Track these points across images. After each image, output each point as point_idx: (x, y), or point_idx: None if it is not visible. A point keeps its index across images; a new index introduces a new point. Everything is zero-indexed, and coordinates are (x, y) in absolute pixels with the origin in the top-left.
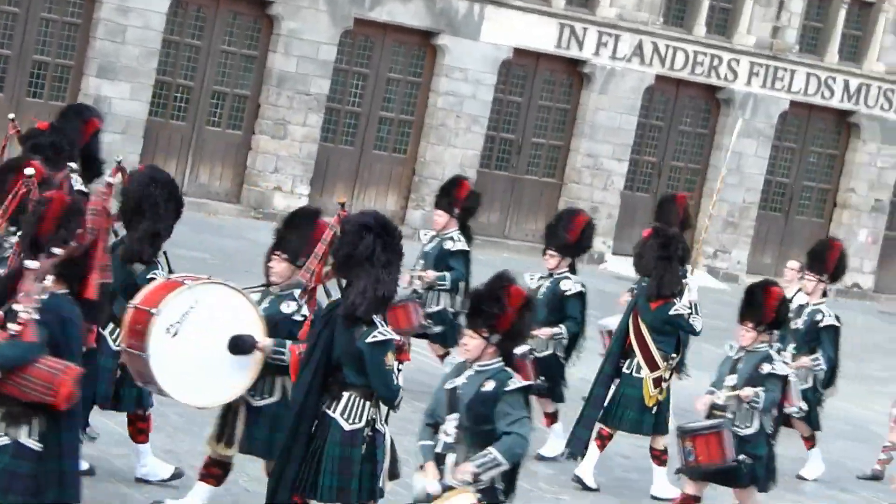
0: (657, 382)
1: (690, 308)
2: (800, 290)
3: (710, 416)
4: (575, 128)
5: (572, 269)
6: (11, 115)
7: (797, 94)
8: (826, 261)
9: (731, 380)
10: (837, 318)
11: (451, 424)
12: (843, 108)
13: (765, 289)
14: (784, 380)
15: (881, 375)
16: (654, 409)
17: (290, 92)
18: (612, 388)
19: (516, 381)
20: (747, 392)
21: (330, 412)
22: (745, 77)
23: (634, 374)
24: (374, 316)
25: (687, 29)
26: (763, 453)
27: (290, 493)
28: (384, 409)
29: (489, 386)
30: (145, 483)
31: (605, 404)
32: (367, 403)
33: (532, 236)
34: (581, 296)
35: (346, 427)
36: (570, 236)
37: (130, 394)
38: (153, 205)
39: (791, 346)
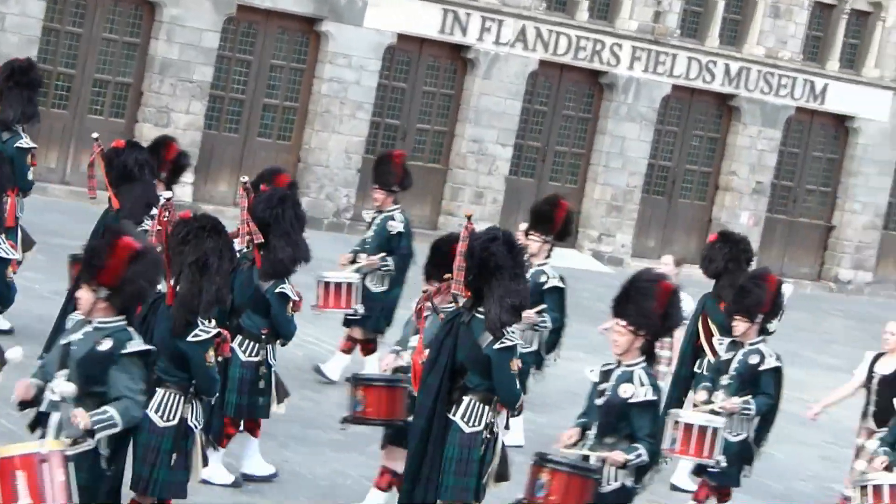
0: None
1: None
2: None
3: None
4: (459, 113)
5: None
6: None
7: (679, 78)
8: (552, 221)
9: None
10: (562, 278)
11: (59, 382)
12: (723, 91)
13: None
14: (778, 371)
15: None
16: None
17: (172, 79)
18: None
19: (136, 344)
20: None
21: (450, 415)
22: (627, 62)
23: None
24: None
25: (569, 14)
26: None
27: (434, 495)
28: (502, 413)
29: (105, 345)
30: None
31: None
32: (487, 407)
33: (419, 222)
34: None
35: (467, 430)
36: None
37: (265, 401)
38: (285, 224)
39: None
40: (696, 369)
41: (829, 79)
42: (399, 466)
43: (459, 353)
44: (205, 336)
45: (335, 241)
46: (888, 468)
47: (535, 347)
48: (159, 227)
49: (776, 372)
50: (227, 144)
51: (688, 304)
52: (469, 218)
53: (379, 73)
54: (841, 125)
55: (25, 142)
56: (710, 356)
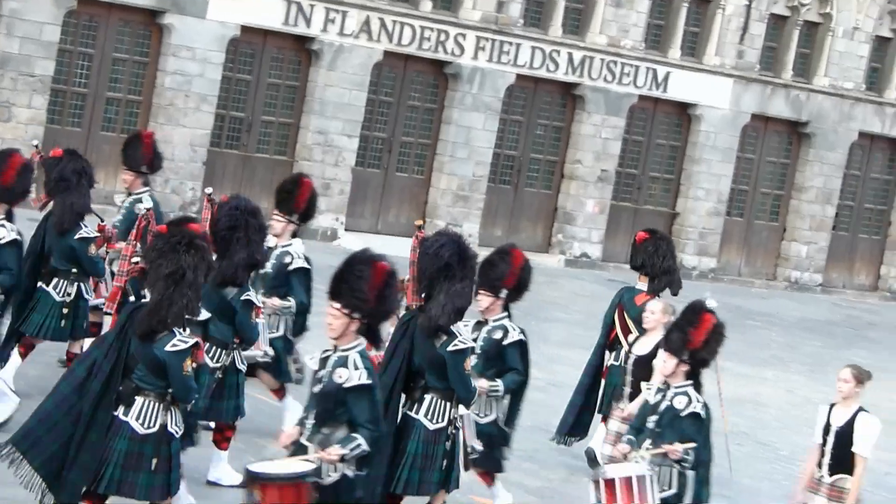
0: None
1: None
2: None
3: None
4: (304, 105)
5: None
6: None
7: (523, 67)
8: (295, 200)
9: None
10: (308, 259)
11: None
12: (567, 80)
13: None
14: (523, 345)
15: None
16: None
17: (13, 73)
18: (602, 379)
19: None
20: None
21: (412, 414)
22: (471, 52)
23: (612, 363)
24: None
25: (413, 5)
26: None
27: (385, 490)
28: (461, 408)
29: None
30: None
31: (600, 395)
32: (448, 404)
33: (267, 215)
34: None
35: (431, 427)
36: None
37: (230, 406)
38: (246, 233)
39: (261, 292)
40: (614, 361)
41: (670, 67)
42: None
43: (416, 355)
44: (183, 346)
45: None
46: (626, 456)
47: (281, 332)
48: (133, 241)
49: (521, 345)
50: (70, 139)
51: None
52: (420, 227)
53: (223, 65)
54: (683, 113)
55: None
56: (625, 347)
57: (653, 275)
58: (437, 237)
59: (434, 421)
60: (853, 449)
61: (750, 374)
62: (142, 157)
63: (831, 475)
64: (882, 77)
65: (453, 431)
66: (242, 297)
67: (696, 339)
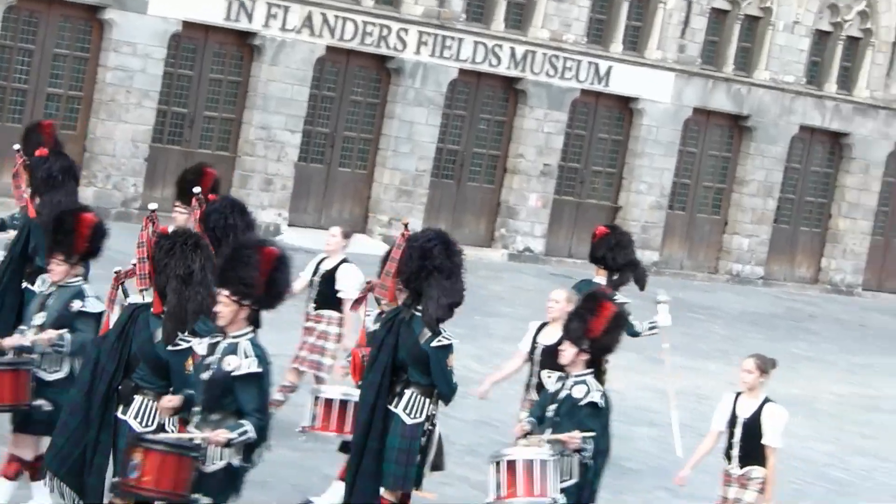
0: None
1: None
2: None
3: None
4: (247, 100)
5: None
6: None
7: (465, 62)
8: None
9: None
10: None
11: None
12: (510, 75)
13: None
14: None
15: None
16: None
17: None
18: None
19: None
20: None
21: (392, 408)
22: (413, 46)
23: None
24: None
25: (355, 0)
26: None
27: (375, 485)
28: (440, 405)
29: None
30: None
31: None
32: (427, 400)
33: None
34: None
35: (409, 421)
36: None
37: None
38: (235, 231)
39: None
40: None
41: (612, 61)
42: (26, 453)
43: (401, 350)
44: (185, 346)
45: (123, 231)
46: (534, 442)
47: None
48: (142, 241)
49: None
50: (10, 135)
51: (358, 276)
52: (406, 225)
53: (164, 60)
54: (625, 107)
55: None
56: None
57: (613, 268)
58: (424, 234)
59: (412, 416)
60: (763, 441)
61: (693, 366)
62: (43, 145)
63: (742, 467)
64: (822, 71)
65: (429, 428)
66: None
67: (595, 328)
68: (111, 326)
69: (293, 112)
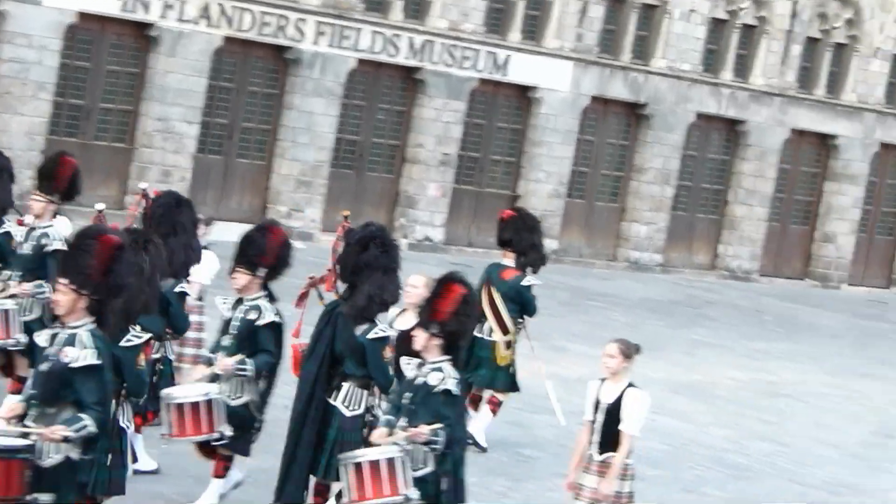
0: (508, 345)
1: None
2: None
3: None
4: (144, 92)
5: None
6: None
7: (364, 52)
8: (56, 179)
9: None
10: (68, 241)
11: None
12: (408, 64)
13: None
14: (278, 326)
15: None
16: (509, 368)
17: None
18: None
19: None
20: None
21: (331, 401)
22: (312, 37)
23: (486, 337)
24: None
25: None
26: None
27: (306, 473)
28: (379, 396)
29: None
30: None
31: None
32: (365, 392)
33: (106, 202)
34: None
35: (347, 413)
36: None
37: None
38: (182, 224)
39: (17, 273)
40: (477, 334)
41: (510, 50)
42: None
43: (337, 342)
44: (137, 341)
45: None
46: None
47: (37, 315)
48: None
49: (275, 327)
50: None
51: (213, 263)
52: (346, 217)
53: (60, 52)
54: (524, 96)
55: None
56: (491, 321)
57: (520, 250)
58: (362, 228)
59: (351, 408)
60: (620, 427)
61: (592, 354)
62: None
63: (601, 453)
64: (718, 59)
65: (370, 419)
66: (176, 289)
67: (442, 311)
68: None
69: (191, 103)
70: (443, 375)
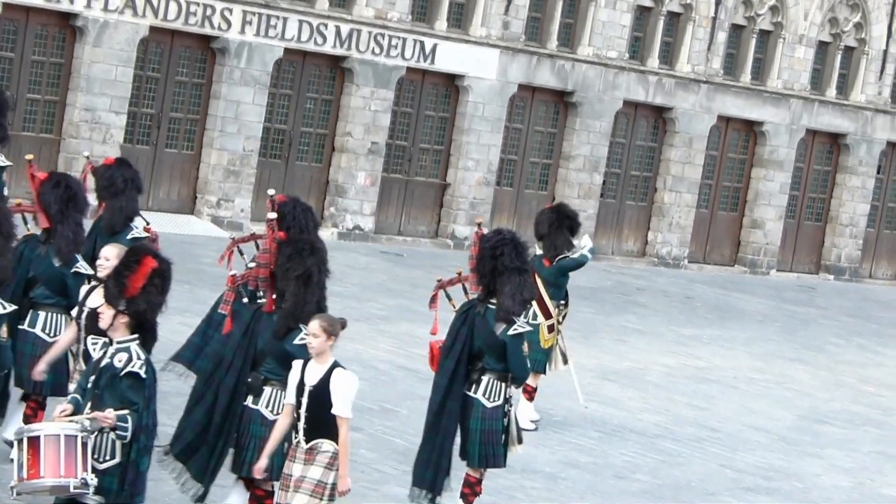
0: (551, 328)
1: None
2: None
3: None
4: (70, 82)
5: None
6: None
7: (291, 41)
8: None
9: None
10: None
11: None
12: (335, 53)
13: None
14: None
15: (384, 314)
16: (550, 352)
17: None
18: None
19: None
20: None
21: (471, 394)
22: (238, 26)
23: (531, 321)
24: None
25: None
26: None
27: (447, 462)
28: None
29: None
30: None
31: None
32: (504, 385)
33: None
34: None
35: (489, 405)
36: None
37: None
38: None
39: None
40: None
41: (438, 38)
42: None
43: (477, 339)
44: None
45: None
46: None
47: None
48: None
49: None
50: None
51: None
52: (479, 224)
53: None
54: (451, 84)
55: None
56: (535, 306)
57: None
58: (494, 234)
59: (492, 400)
60: (333, 411)
61: None
62: None
63: (308, 441)
64: (644, 46)
65: (508, 409)
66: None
67: (133, 286)
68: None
69: (118, 93)
70: (129, 357)
